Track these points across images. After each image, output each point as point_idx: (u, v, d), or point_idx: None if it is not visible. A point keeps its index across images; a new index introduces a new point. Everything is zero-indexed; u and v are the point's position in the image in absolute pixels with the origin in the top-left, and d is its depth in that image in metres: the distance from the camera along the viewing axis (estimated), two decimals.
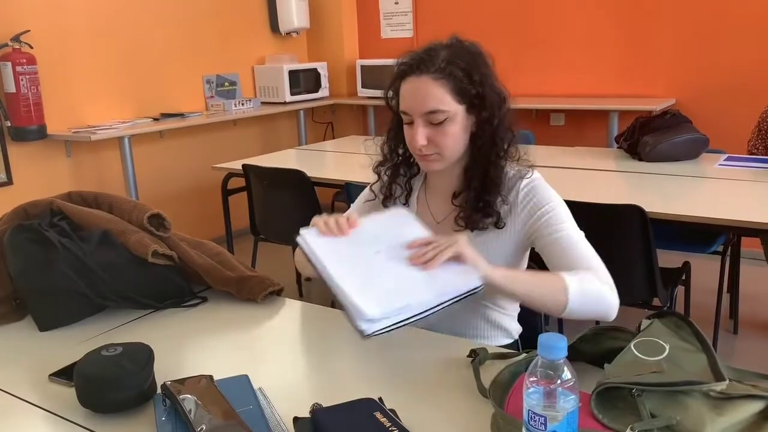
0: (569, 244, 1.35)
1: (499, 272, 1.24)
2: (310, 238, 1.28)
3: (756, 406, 0.89)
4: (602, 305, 1.28)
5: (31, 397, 1.16)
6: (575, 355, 1.10)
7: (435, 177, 1.50)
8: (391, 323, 1.11)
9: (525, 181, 1.41)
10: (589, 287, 1.27)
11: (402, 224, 1.34)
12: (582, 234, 1.38)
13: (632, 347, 1.01)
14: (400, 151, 1.50)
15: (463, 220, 1.42)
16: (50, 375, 1.22)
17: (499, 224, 1.41)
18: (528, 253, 1.50)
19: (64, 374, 1.21)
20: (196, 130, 4.54)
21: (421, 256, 1.20)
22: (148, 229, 1.56)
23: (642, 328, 1.08)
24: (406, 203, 1.54)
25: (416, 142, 1.35)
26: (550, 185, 1.44)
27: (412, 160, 1.49)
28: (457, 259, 1.20)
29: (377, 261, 1.22)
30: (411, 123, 1.37)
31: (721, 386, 0.90)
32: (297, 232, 1.34)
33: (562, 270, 1.31)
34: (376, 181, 1.58)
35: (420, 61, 1.33)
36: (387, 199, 1.54)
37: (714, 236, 2.83)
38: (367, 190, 1.61)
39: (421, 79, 1.33)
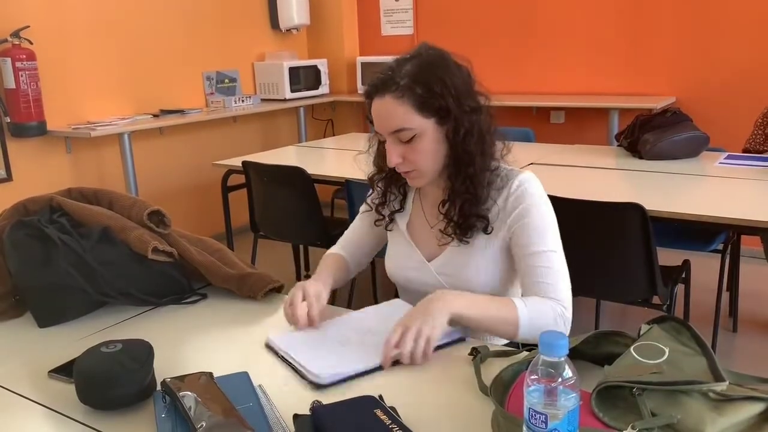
0: (542, 266, 1.36)
1: (457, 306, 1.27)
2: (276, 341, 1.30)
3: (756, 408, 0.89)
4: None
5: (31, 394, 1.16)
6: (576, 356, 1.10)
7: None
8: (345, 375, 1.16)
9: (516, 183, 1.39)
10: (539, 323, 1.30)
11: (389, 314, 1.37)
12: (558, 252, 1.38)
13: (632, 351, 1.01)
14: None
15: (450, 230, 1.43)
16: (50, 371, 1.21)
17: (487, 230, 1.41)
18: None
19: (64, 371, 1.21)
20: (195, 126, 4.53)
21: (413, 357, 1.19)
22: (148, 225, 1.55)
23: (641, 333, 1.08)
24: (401, 208, 1.54)
25: (390, 161, 1.37)
26: (543, 185, 1.43)
27: None
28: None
29: (343, 347, 1.28)
30: (385, 141, 1.38)
31: (721, 387, 0.90)
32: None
33: (527, 287, 1.37)
34: (371, 192, 1.60)
35: (382, 82, 1.34)
36: (381, 206, 1.55)
37: (714, 234, 2.83)
38: (364, 204, 1.63)
39: (384, 99, 1.34)
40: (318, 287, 1.42)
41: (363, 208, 1.64)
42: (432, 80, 1.32)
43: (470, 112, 1.35)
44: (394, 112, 1.33)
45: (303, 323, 1.34)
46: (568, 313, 1.35)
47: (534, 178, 1.42)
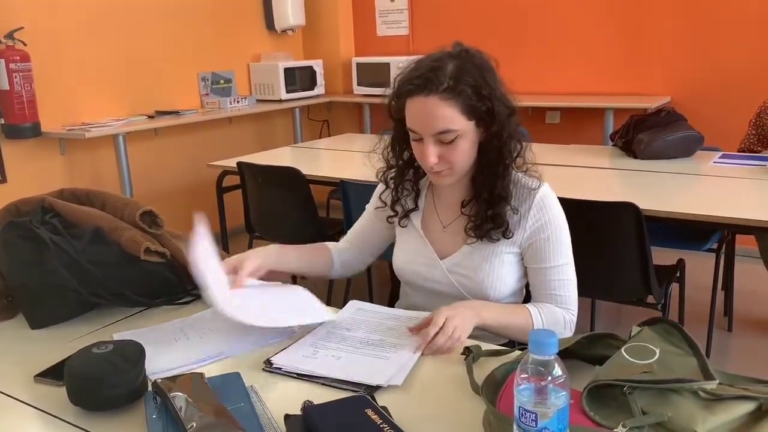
0: (558, 279, 1.43)
1: (484, 316, 1.34)
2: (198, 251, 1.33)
3: (747, 407, 0.89)
4: None
5: (22, 395, 1.15)
6: (568, 356, 1.10)
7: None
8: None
9: (538, 196, 1.42)
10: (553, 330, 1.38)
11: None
12: (571, 262, 1.44)
13: (623, 351, 1.01)
14: (405, 157, 1.50)
15: (473, 231, 1.43)
16: (35, 376, 1.20)
17: (507, 234, 1.42)
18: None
19: (50, 374, 1.20)
20: (191, 127, 4.52)
21: (430, 346, 1.24)
22: (141, 226, 1.55)
23: (632, 334, 1.09)
24: (415, 206, 1.54)
25: (428, 162, 1.36)
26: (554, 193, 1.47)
27: (416, 163, 1.48)
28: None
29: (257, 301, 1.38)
30: (419, 140, 1.36)
31: (711, 385, 0.90)
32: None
33: (542, 297, 1.44)
34: (385, 190, 1.58)
35: (427, 80, 1.31)
36: (396, 203, 1.55)
37: (708, 234, 2.83)
38: (376, 199, 1.62)
39: (429, 99, 1.31)
40: (256, 263, 1.44)
41: (374, 203, 1.63)
42: (480, 83, 1.32)
43: (509, 116, 1.37)
44: (441, 113, 1.31)
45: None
46: (575, 318, 1.44)
47: (552, 192, 1.45)
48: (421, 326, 1.30)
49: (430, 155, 1.34)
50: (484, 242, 1.43)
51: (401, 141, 1.47)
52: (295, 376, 1.18)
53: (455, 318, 1.27)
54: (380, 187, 1.60)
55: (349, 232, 1.69)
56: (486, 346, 1.24)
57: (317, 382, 1.15)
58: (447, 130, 1.32)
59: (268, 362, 1.22)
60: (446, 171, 1.39)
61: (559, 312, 1.42)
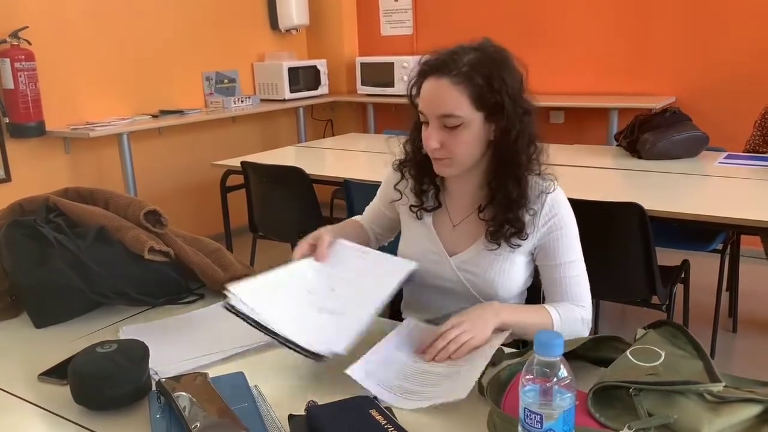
0: (572, 275, 1.43)
1: (503, 316, 1.31)
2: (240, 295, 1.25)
3: (753, 410, 0.89)
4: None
5: (26, 394, 1.15)
6: (573, 358, 1.09)
7: (451, 180, 1.49)
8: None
9: (551, 197, 1.42)
10: (569, 329, 1.37)
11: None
12: (582, 258, 1.45)
13: (628, 354, 1.01)
14: (423, 149, 1.47)
15: (492, 236, 1.42)
16: (40, 375, 1.20)
17: (522, 236, 1.42)
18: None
19: (55, 373, 1.20)
20: (195, 127, 4.53)
21: (442, 352, 1.23)
22: (145, 225, 1.55)
23: (637, 337, 1.08)
24: (438, 204, 1.51)
25: (429, 144, 1.35)
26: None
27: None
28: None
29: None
30: (427, 123, 1.37)
31: (717, 387, 0.89)
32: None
33: (557, 294, 1.43)
34: (400, 180, 1.54)
35: (442, 63, 1.32)
36: (423, 194, 1.51)
37: (713, 234, 2.82)
38: (391, 190, 1.57)
39: (440, 81, 1.31)
40: (318, 233, 1.47)
41: (390, 195, 1.58)
42: (493, 75, 1.32)
43: (522, 114, 1.35)
44: (449, 96, 1.31)
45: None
46: (590, 314, 1.44)
47: (563, 193, 1.45)
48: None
49: (432, 138, 1.34)
50: (502, 246, 1.43)
51: (419, 130, 1.44)
52: (252, 323, 1.20)
53: (462, 324, 1.26)
54: (394, 176, 1.56)
55: (366, 213, 1.70)
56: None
57: (269, 337, 1.19)
58: (451, 114, 1.31)
59: (229, 304, 1.23)
60: (447, 161, 1.38)
61: (576, 311, 1.41)
